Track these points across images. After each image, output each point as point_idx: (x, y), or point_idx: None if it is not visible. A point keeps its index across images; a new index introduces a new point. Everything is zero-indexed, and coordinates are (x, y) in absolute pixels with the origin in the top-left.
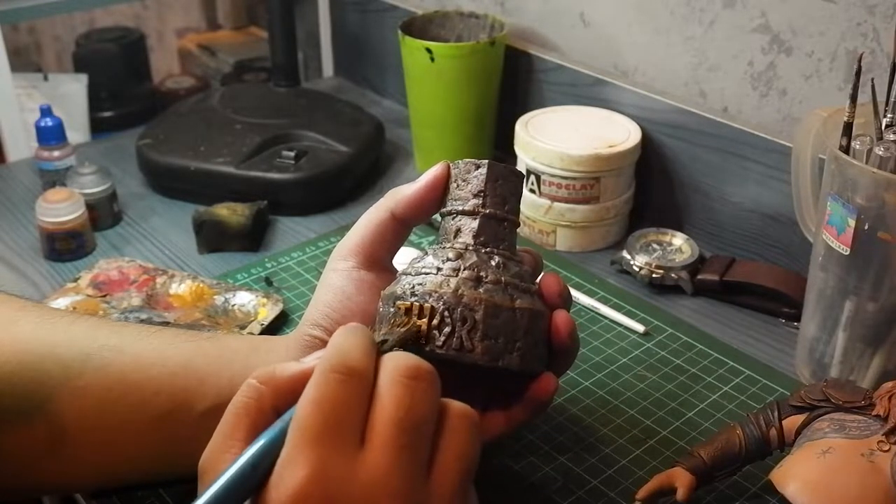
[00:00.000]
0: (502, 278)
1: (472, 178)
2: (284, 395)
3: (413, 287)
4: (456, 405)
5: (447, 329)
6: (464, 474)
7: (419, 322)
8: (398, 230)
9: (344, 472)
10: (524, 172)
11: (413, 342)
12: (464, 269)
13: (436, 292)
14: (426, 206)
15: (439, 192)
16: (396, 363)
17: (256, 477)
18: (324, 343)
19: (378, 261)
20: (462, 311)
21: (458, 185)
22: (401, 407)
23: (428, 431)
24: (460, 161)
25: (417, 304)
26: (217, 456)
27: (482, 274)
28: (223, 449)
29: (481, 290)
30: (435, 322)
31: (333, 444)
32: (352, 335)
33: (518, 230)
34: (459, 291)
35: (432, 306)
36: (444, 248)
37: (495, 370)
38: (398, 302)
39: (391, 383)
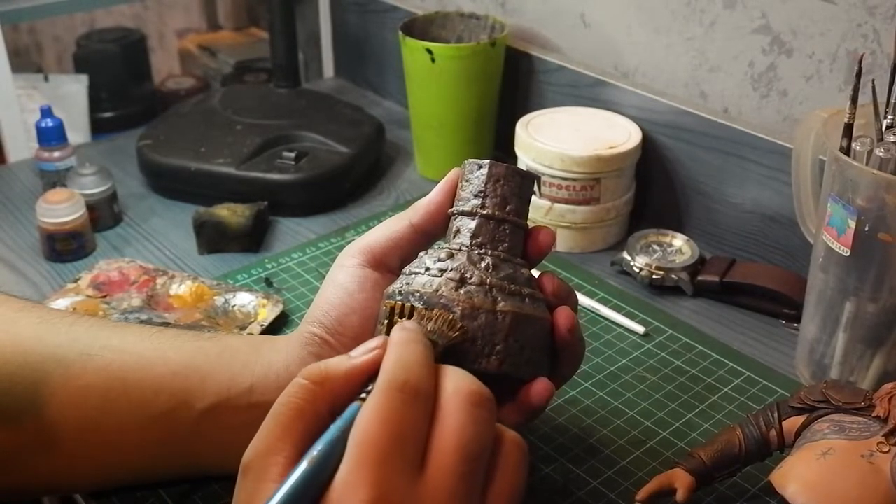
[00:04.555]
0: (488, 280)
1: (473, 178)
2: (340, 396)
3: (402, 286)
4: (510, 433)
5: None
6: (515, 502)
7: (398, 321)
8: (414, 239)
9: (405, 497)
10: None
11: (461, 351)
12: (450, 270)
13: (418, 292)
14: (442, 211)
15: (452, 197)
16: (458, 386)
17: (317, 490)
18: (324, 340)
19: (385, 264)
20: (438, 312)
21: (462, 186)
22: (464, 435)
23: (486, 459)
24: (467, 161)
25: (400, 303)
26: (266, 457)
27: (466, 275)
28: (273, 450)
29: (462, 291)
30: None
31: (397, 465)
32: (412, 345)
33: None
34: (440, 292)
35: (412, 306)
36: (440, 248)
37: (472, 373)
38: (386, 300)
39: (456, 409)
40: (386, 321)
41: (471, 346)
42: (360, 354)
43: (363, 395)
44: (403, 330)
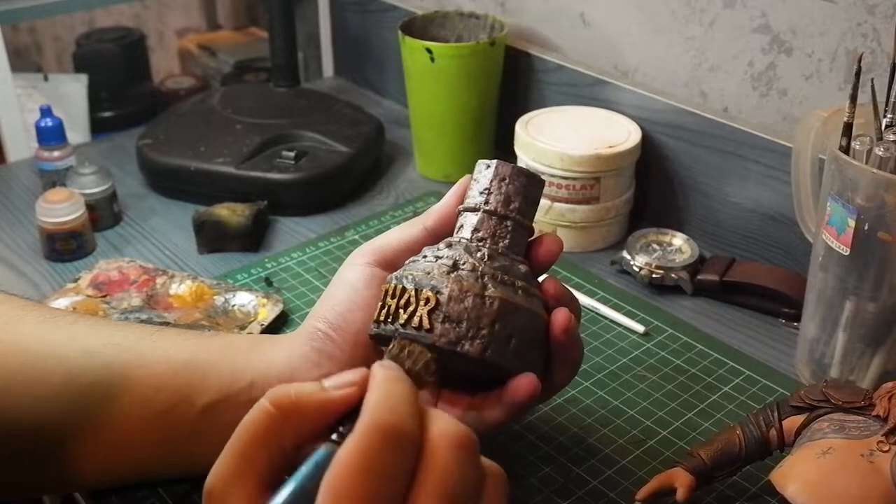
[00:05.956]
0: (480, 267)
1: (481, 177)
2: (307, 429)
3: (400, 272)
4: (492, 468)
5: (411, 308)
6: None
7: (391, 301)
8: (427, 241)
9: None
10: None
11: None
12: (445, 257)
13: (411, 275)
14: (454, 213)
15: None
16: (444, 429)
17: None
18: (327, 336)
19: (396, 265)
20: (426, 292)
21: (470, 186)
22: (449, 482)
23: (471, 502)
24: (478, 162)
25: (393, 285)
26: (226, 488)
27: (460, 261)
28: (233, 481)
29: (452, 275)
30: (402, 301)
31: None
32: (397, 384)
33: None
34: (431, 274)
35: (403, 286)
36: (443, 240)
37: (455, 357)
38: (384, 285)
39: (442, 453)
40: (380, 303)
41: (455, 328)
42: (336, 387)
43: (334, 437)
44: (385, 367)
